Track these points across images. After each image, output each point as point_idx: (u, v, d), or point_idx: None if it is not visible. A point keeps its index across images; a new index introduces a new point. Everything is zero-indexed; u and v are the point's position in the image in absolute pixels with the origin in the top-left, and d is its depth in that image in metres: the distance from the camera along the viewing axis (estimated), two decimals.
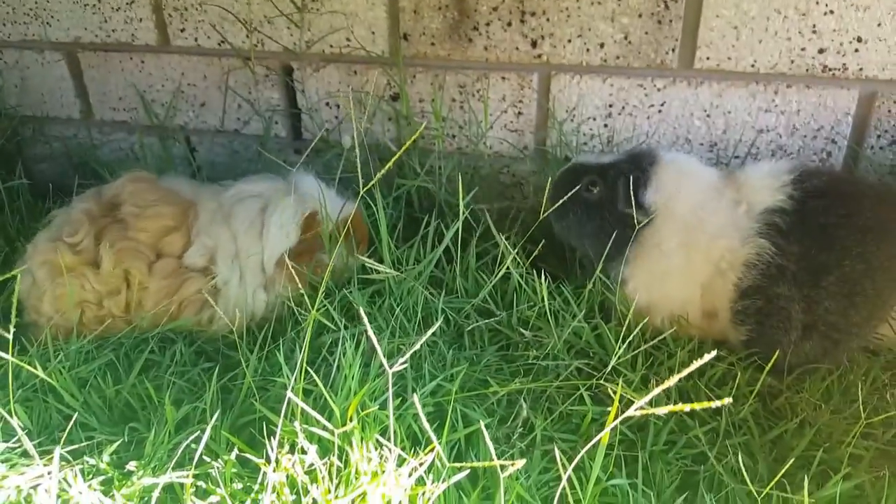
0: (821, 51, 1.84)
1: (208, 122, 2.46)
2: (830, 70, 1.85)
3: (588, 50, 2.00)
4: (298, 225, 1.76)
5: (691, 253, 1.65)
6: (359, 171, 1.43)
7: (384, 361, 1.09)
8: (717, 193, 1.66)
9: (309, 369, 1.38)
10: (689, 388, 1.63)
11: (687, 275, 1.67)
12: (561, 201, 1.73)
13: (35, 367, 1.45)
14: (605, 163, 1.74)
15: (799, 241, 1.54)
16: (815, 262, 1.54)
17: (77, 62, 2.50)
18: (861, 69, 1.84)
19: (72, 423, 1.42)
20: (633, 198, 1.65)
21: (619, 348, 1.57)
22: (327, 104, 2.31)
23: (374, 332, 1.58)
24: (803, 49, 1.84)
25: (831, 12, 1.78)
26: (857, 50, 1.82)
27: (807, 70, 1.87)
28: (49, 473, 1.34)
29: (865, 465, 1.42)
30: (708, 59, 1.92)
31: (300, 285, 1.75)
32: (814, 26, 1.81)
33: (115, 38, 2.40)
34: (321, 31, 2.18)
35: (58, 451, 1.19)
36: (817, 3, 1.78)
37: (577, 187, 1.73)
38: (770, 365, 1.52)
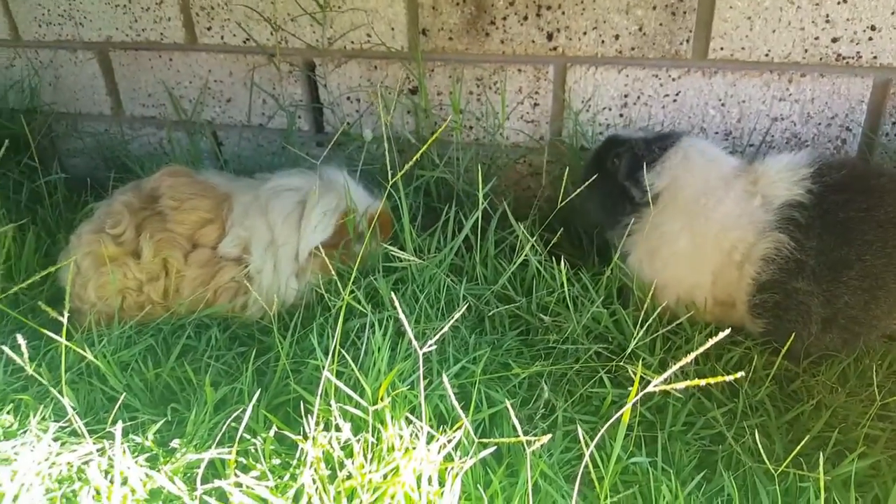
0: (834, 40, 1.87)
1: (234, 118, 2.54)
2: (844, 58, 1.89)
3: (603, 42, 2.05)
4: (335, 221, 1.85)
5: (697, 239, 1.69)
6: (387, 163, 1.50)
7: (415, 343, 1.16)
8: (724, 184, 1.70)
9: (342, 351, 1.45)
10: (706, 371, 1.68)
11: (694, 261, 1.71)
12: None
13: (84, 350, 1.54)
14: (632, 138, 1.83)
15: (818, 235, 1.56)
16: (835, 257, 1.55)
17: (108, 60, 2.58)
18: (875, 57, 1.87)
19: (118, 404, 1.49)
20: (636, 175, 1.73)
21: (638, 332, 1.62)
22: (348, 98, 2.38)
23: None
24: (817, 38, 1.88)
25: (844, 1, 1.81)
26: (870, 38, 1.85)
27: (821, 59, 1.90)
28: (98, 451, 1.43)
29: (881, 445, 1.46)
30: (722, 49, 1.96)
31: (331, 273, 1.83)
32: (827, 15, 1.84)
33: (145, 37, 2.47)
34: (343, 27, 2.25)
35: (119, 427, 1.26)
36: None
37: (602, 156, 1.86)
38: (785, 349, 1.56)
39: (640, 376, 1.39)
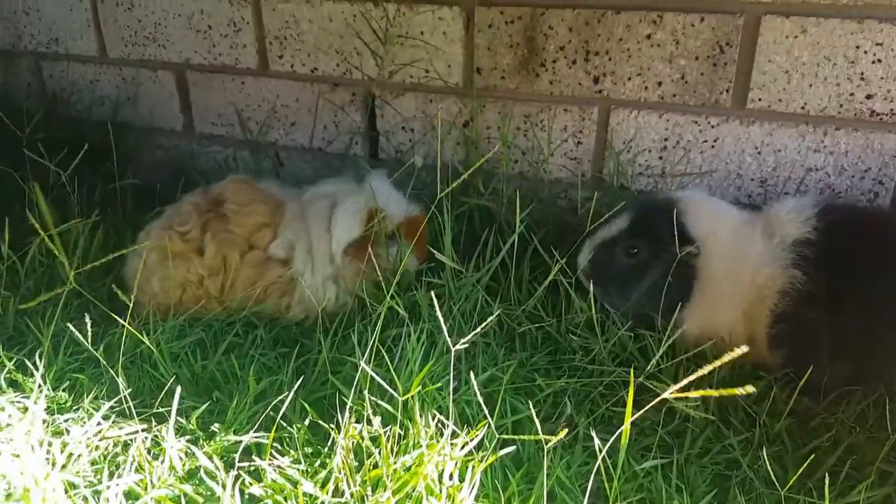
0: (869, 96, 1.94)
1: (296, 140, 2.71)
2: (878, 115, 1.96)
3: (646, 87, 2.16)
4: (361, 219, 1.96)
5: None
6: (439, 187, 1.61)
7: (448, 338, 1.25)
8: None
9: (379, 347, 1.55)
10: (727, 401, 1.72)
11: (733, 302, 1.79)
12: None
13: (142, 336, 1.68)
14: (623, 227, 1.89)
15: (826, 269, 1.66)
16: (843, 289, 1.64)
17: (185, 81, 2.80)
18: None
19: (169, 389, 1.61)
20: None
21: (659, 352, 1.68)
22: (403, 128, 2.53)
23: (435, 330, 1.75)
24: (852, 94, 1.96)
25: (879, 61, 1.89)
26: None
27: (855, 114, 1.98)
28: (143, 430, 1.55)
29: (893, 480, 1.49)
30: (760, 100, 2.05)
31: (365, 277, 1.92)
32: (862, 73, 1.92)
33: (221, 61, 2.68)
34: (403, 62, 2.41)
35: (175, 404, 1.37)
36: (865, 52, 1.90)
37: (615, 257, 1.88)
38: (803, 381, 1.61)
39: (661, 400, 1.45)
